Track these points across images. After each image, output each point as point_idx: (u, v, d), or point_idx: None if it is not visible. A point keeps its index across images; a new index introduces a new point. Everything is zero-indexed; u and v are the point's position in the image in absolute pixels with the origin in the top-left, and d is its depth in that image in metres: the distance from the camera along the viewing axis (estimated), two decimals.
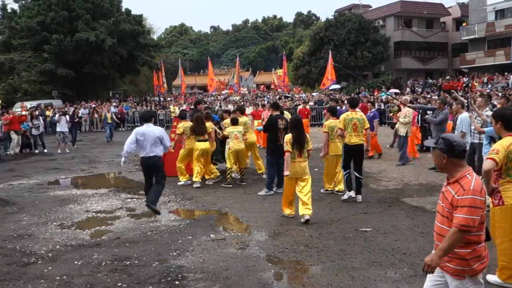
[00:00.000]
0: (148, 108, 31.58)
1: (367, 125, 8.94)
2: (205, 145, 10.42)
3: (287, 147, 7.44)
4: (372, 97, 28.81)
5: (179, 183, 10.72)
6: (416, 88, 36.53)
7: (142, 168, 8.38)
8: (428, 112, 12.76)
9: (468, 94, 14.04)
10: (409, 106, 12.53)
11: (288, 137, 7.55)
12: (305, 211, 7.32)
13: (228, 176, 10.55)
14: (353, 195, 8.74)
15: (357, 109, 9.24)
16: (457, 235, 3.14)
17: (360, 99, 19.82)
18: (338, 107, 14.60)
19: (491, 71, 38.81)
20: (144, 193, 8.46)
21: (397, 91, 33.82)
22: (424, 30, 47.98)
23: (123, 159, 8.14)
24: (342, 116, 8.77)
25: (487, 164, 4.67)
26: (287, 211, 7.78)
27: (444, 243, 3.19)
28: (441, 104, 11.74)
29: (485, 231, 3.34)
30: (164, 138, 8.09)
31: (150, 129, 7.98)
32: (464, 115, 9.68)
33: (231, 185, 10.40)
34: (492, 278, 4.99)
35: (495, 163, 4.64)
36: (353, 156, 8.73)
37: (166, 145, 8.24)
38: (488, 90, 23.16)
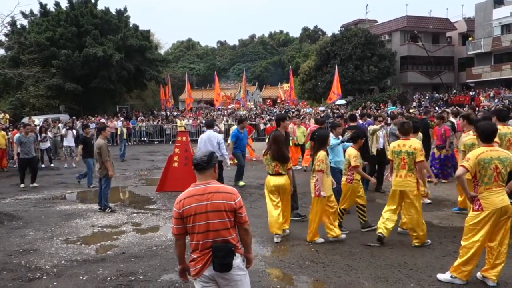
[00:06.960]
0: (156, 122, 31.65)
1: None
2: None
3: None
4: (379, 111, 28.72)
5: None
6: (423, 103, 36.51)
7: None
8: None
9: None
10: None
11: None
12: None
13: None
14: None
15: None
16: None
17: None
18: (361, 122, 12.58)
19: (497, 85, 38.87)
20: None
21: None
22: (430, 44, 48.14)
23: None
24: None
25: (458, 171, 5.19)
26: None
27: None
28: None
29: None
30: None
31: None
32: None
33: None
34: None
35: (465, 170, 5.07)
36: None
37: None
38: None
